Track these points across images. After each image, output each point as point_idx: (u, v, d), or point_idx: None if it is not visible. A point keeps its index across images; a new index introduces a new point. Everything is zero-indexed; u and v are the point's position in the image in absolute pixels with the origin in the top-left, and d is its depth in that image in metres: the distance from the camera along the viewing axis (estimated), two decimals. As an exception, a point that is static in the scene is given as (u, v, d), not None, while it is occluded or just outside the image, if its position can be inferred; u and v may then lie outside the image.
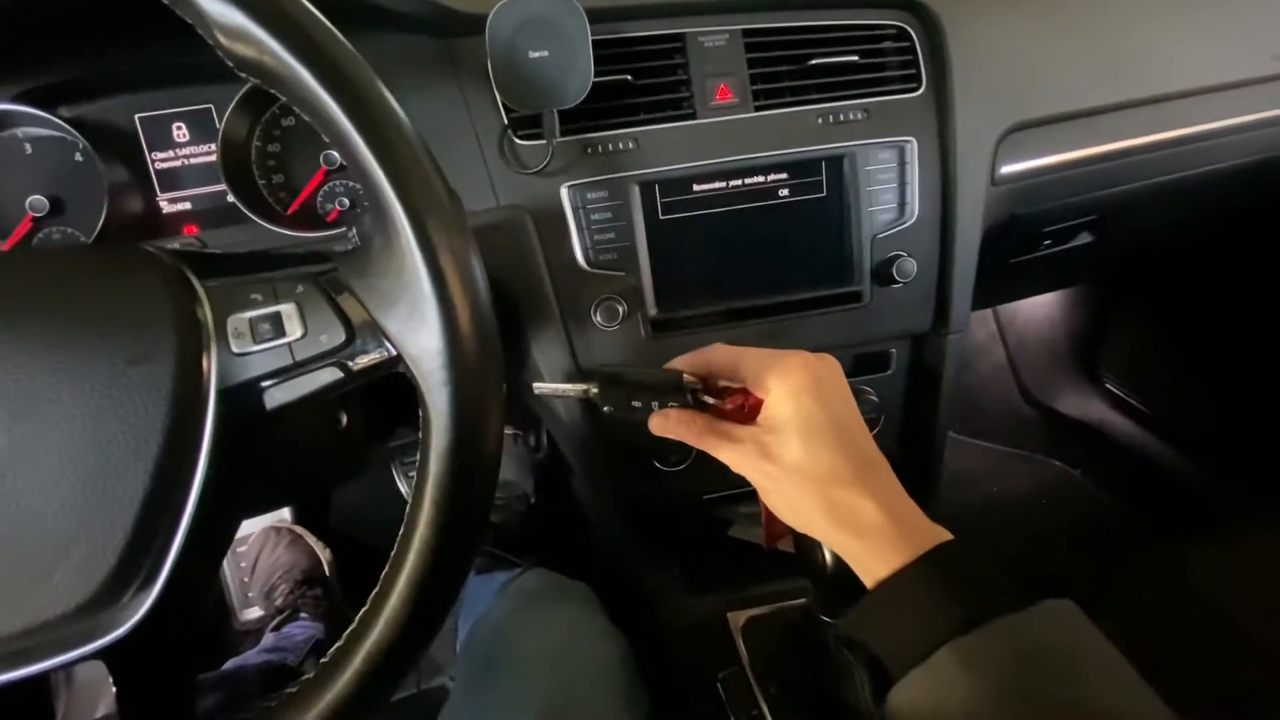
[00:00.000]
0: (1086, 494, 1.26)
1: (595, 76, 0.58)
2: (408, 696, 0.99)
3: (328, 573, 1.13)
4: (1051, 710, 0.33)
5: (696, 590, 0.74)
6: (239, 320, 0.37)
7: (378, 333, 0.37)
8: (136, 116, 0.60)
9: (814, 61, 0.65)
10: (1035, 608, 0.36)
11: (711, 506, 0.76)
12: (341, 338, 0.37)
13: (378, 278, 0.36)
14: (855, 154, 0.66)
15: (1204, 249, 1.13)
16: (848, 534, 0.41)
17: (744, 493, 0.46)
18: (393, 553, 0.35)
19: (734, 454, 0.44)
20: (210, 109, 0.60)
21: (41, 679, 0.34)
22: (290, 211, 0.63)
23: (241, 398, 0.37)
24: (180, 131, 0.61)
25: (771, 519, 0.45)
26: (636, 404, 0.47)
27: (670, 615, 0.73)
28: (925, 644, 0.36)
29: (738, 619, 0.69)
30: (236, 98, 0.58)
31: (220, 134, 0.59)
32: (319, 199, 0.64)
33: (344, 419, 0.56)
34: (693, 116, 0.64)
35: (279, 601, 1.08)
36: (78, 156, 0.58)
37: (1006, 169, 0.71)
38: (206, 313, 0.37)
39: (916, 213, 0.68)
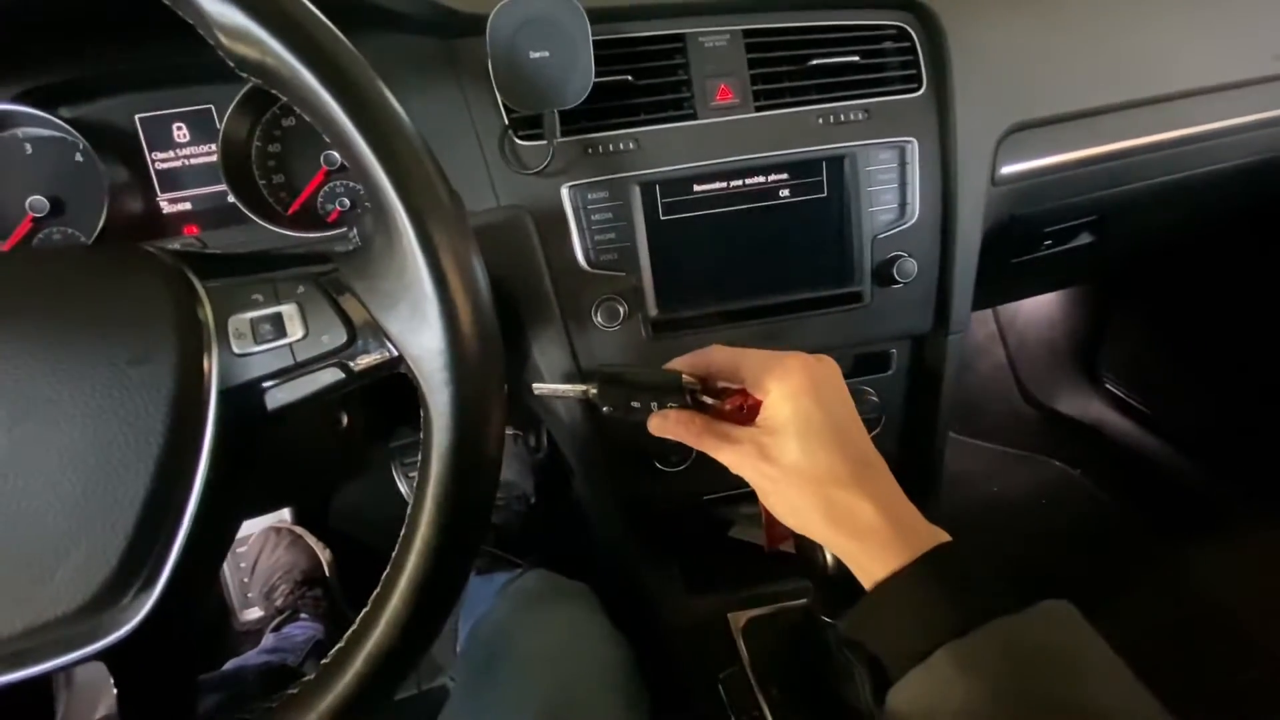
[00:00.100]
0: (1086, 494, 1.26)
1: (596, 77, 0.58)
2: (408, 697, 0.99)
3: (328, 573, 1.13)
4: (1049, 711, 0.33)
5: (697, 591, 0.74)
6: (240, 321, 0.37)
7: (379, 333, 0.37)
8: (137, 117, 0.60)
9: (814, 62, 0.65)
10: (1032, 609, 0.36)
11: (712, 507, 0.76)
12: (343, 338, 0.37)
13: (379, 278, 0.36)
14: (856, 154, 0.66)
15: (1205, 249, 1.13)
16: (845, 535, 0.41)
17: (745, 493, 0.46)
18: (394, 553, 0.35)
19: (732, 455, 0.44)
20: (211, 109, 0.60)
21: (42, 679, 0.34)
22: (291, 212, 0.63)
23: (243, 398, 0.37)
24: (181, 132, 0.61)
25: (773, 521, 0.45)
26: (636, 404, 0.47)
27: (671, 616, 0.73)
28: (923, 645, 0.36)
29: (738, 620, 0.68)
30: (237, 98, 0.58)
31: (221, 134, 0.58)
32: (319, 199, 0.64)
33: (344, 419, 0.56)
34: (693, 117, 0.64)
35: (279, 602, 1.08)
36: (78, 157, 0.58)
37: (1007, 169, 0.71)
38: (207, 313, 0.37)
39: (917, 213, 0.68)
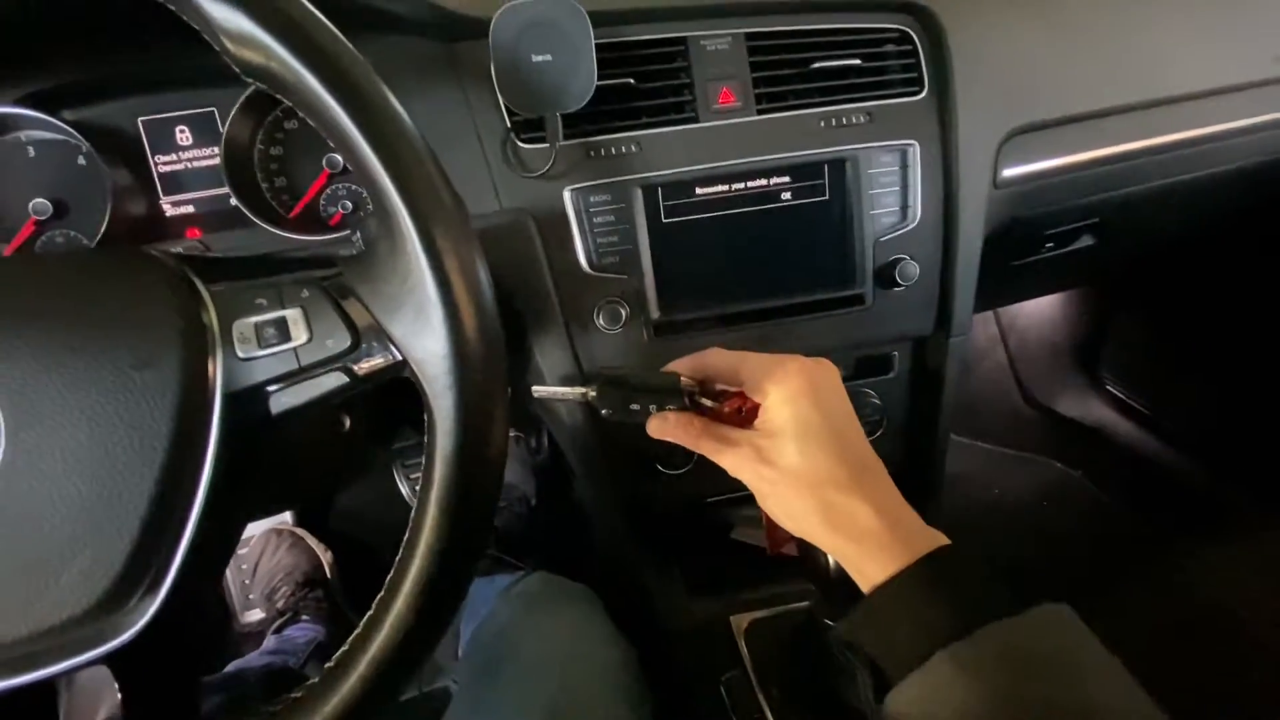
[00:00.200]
0: (1087, 495, 1.26)
1: (598, 80, 0.58)
2: (410, 699, 0.99)
3: (329, 575, 1.13)
4: (1047, 714, 0.33)
5: (699, 593, 0.74)
6: (244, 325, 0.37)
7: (383, 337, 0.37)
8: (140, 120, 0.60)
9: (816, 65, 0.65)
10: (1030, 612, 0.37)
11: (714, 510, 0.76)
12: (347, 342, 0.37)
13: (383, 282, 0.36)
14: (857, 157, 0.66)
15: (1205, 251, 1.13)
16: (843, 538, 0.41)
17: (746, 496, 0.46)
18: (398, 556, 0.35)
19: (731, 457, 0.44)
20: (213, 112, 0.60)
21: (45, 681, 0.34)
22: (293, 215, 0.63)
23: (247, 402, 0.37)
24: (183, 135, 0.61)
25: (773, 524, 0.45)
26: (635, 407, 0.47)
27: (673, 618, 0.73)
28: (922, 649, 0.36)
29: (740, 622, 0.69)
30: (240, 101, 0.58)
31: (223, 137, 0.59)
32: (322, 202, 0.64)
33: (346, 422, 0.56)
34: (695, 120, 0.64)
35: (280, 604, 1.08)
36: (81, 160, 0.58)
37: (1009, 172, 0.71)
38: (212, 317, 0.37)
39: (919, 216, 0.68)
